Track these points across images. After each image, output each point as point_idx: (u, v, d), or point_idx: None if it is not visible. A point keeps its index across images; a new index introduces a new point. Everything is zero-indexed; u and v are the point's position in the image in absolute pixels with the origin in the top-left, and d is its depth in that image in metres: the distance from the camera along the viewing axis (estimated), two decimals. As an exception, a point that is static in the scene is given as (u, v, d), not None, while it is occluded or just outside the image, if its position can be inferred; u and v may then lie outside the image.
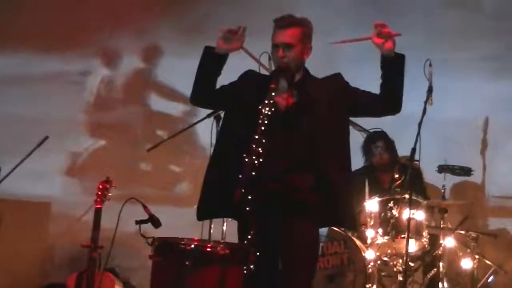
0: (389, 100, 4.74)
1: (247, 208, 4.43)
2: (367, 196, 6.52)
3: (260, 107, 4.51)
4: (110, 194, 5.99)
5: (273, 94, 4.55)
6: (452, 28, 7.70)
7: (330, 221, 4.89)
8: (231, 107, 4.81)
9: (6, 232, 7.26)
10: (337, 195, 4.66)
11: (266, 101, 4.51)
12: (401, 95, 4.74)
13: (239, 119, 4.70)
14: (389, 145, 7.04)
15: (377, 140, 7.02)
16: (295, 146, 4.66)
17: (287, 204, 4.62)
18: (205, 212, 4.85)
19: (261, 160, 4.41)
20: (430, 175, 7.22)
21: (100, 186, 6.00)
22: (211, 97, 4.87)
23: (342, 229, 6.41)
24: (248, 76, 4.87)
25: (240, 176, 4.37)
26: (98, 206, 5.95)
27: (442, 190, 6.82)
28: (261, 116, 4.48)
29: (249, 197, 4.40)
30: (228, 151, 4.66)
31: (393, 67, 4.70)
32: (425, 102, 5.84)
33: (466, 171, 7.13)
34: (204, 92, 4.85)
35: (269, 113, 4.50)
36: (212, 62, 4.79)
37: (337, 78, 4.82)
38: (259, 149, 4.43)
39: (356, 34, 4.85)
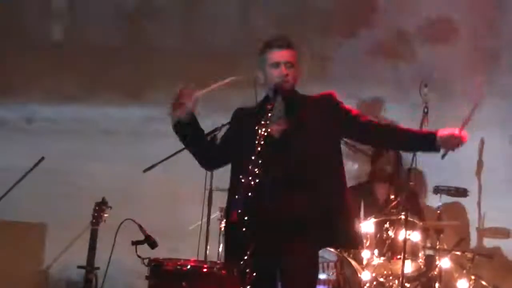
0: (394, 146, 5.17)
1: (244, 229, 4.44)
2: (362, 216, 6.52)
3: (256, 127, 4.53)
4: (106, 215, 5.99)
5: (269, 114, 4.57)
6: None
7: (329, 241, 4.87)
8: (237, 146, 4.79)
9: (1, 253, 7.25)
10: (335, 215, 4.66)
11: (263, 122, 4.54)
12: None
13: (242, 149, 4.68)
14: (396, 156, 7.07)
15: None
16: (291, 168, 4.66)
17: (285, 224, 4.61)
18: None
19: (257, 180, 4.42)
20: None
21: (96, 208, 6.00)
22: (219, 154, 4.89)
23: (338, 250, 6.41)
24: (239, 113, 4.92)
25: (237, 196, 4.39)
26: (94, 227, 5.95)
27: (438, 211, 6.83)
28: (258, 137, 4.50)
29: (246, 218, 4.41)
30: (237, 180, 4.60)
31: (426, 147, 4.85)
32: (421, 123, 5.85)
33: (462, 192, 7.12)
34: (208, 155, 4.89)
35: (265, 134, 4.52)
36: (186, 131, 4.79)
37: (329, 98, 4.84)
38: (255, 170, 4.44)
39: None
